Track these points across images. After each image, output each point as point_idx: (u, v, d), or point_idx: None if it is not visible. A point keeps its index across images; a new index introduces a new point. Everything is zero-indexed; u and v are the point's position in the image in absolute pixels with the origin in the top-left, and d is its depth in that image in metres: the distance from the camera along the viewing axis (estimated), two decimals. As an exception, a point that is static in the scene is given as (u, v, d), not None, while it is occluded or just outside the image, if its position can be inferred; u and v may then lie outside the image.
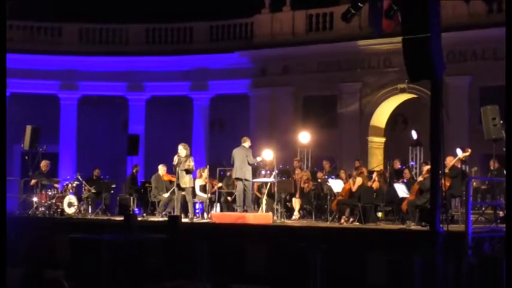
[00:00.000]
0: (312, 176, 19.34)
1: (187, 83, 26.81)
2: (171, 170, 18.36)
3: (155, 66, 26.86)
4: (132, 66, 26.87)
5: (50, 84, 26.71)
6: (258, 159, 17.69)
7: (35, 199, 19.48)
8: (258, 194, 18.40)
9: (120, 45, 27.45)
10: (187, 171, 17.22)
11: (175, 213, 17.24)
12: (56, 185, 20.09)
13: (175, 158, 17.33)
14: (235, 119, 27.01)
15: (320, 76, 24.72)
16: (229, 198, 19.24)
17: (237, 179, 17.21)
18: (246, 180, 17.06)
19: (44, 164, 19.86)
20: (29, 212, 19.28)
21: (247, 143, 17.42)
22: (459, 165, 16.27)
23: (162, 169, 19.50)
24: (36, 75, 26.36)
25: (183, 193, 17.45)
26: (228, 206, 19.19)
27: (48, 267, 10.34)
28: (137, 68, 26.92)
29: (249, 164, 17.23)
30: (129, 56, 26.73)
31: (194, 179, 18.35)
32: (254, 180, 17.76)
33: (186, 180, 17.23)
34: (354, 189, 16.88)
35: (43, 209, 19.20)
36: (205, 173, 19.00)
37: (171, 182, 18.95)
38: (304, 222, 17.42)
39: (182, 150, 17.37)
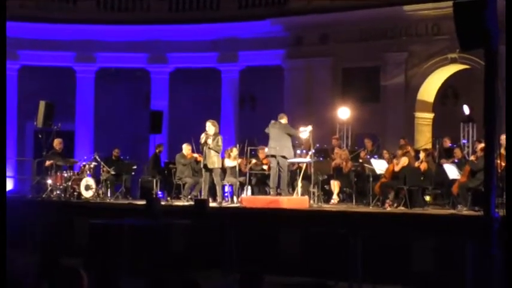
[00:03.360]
0: (352, 155, 19.30)
1: (215, 53, 26.81)
2: (197, 149, 18.42)
3: (179, 35, 26.87)
4: (153, 35, 26.91)
5: (65, 56, 26.83)
6: (301, 129, 17.44)
7: (49, 181, 19.63)
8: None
9: (141, 12, 27.48)
10: (215, 151, 17.22)
11: (202, 197, 17.34)
12: (72, 166, 20.28)
13: (203, 136, 17.29)
14: (267, 93, 27.01)
15: (361, 45, 24.57)
16: (264, 171, 19.01)
17: (271, 156, 17.06)
18: (282, 157, 16.75)
19: (57, 143, 19.84)
20: (43, 196, 19.47)
21: (284, 120, 17.25)
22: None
23: (186, 148, 19.54)
24: (50, 46, 26.47)
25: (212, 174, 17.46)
26: (260, 189, 19.21)
27: (65, 255, 10.48)
28: (159, 38, 26.94)
29: (291, 136, 17.05)
30: (150, 24, 26.75)
31: (222, 159, 18.35)
32: (289, 160, 17.26)
33: (214, 160, 17.21)
34: (397, 169, 16.83)
35: (58, 192, 19.39)
36: (234, 153, 18.99)
37: (196, 161, 19.00)
38: (344, 207, 17.45)
39: (210, 127, 17.34)
